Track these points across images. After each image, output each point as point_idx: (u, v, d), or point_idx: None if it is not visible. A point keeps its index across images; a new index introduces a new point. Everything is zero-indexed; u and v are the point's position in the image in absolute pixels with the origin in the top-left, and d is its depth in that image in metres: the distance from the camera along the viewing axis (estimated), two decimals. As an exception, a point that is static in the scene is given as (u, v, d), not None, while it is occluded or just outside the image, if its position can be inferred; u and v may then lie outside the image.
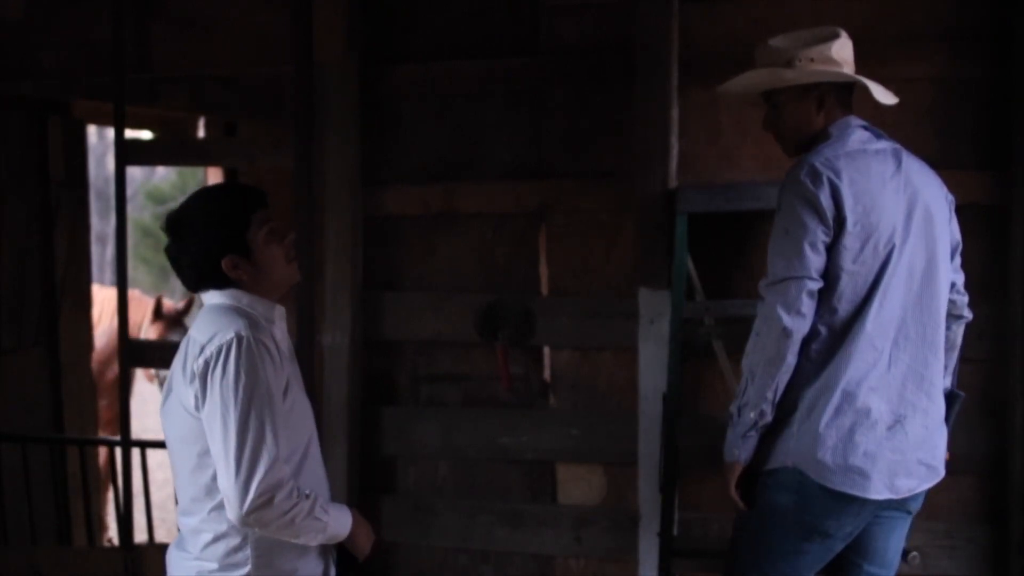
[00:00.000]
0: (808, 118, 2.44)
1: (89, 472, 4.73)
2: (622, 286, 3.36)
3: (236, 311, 2.06)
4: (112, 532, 5.63)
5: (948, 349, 2.50)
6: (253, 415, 1.94)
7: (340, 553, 2.18)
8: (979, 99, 3.12)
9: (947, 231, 2.44)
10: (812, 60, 2.42)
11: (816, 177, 2.29)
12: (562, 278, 3.45)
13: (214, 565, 2.04)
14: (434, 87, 3.55)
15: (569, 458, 3.45)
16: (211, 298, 2.11)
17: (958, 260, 2.52)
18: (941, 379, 2.41)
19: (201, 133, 6.03)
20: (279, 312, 2.14)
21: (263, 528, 1.98)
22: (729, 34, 3.24)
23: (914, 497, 2.40)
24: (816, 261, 2.28)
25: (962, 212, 3.08)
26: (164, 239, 2.13)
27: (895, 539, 2.47)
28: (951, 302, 2.48)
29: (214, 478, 2.01)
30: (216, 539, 2.04)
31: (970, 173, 3.11)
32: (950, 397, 2.49)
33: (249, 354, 1.97)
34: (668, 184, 3.21)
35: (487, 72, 3.49)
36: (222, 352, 1.97)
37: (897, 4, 3.16)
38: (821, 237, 2.28)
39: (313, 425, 2.17)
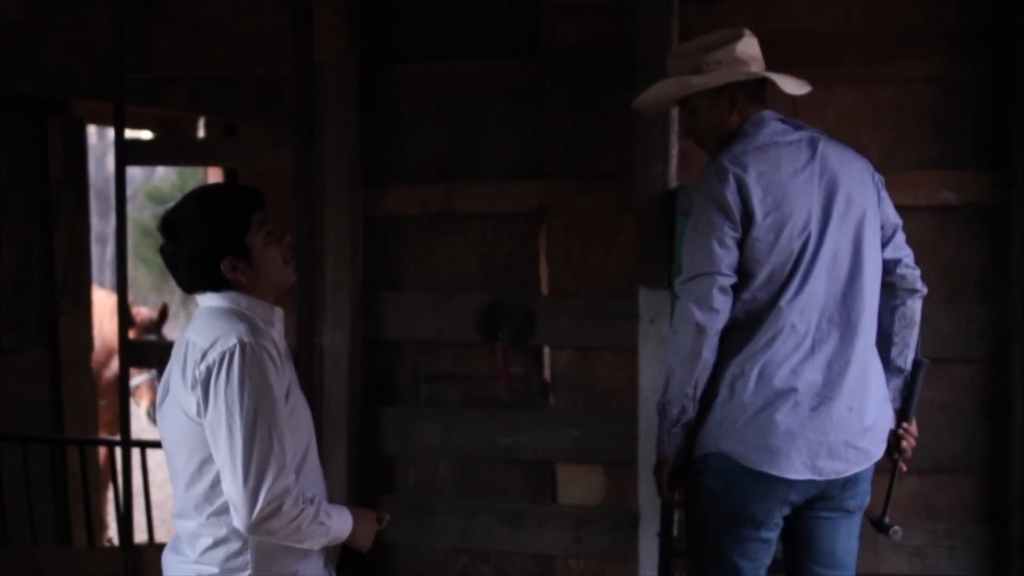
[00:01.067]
0: (723, 119, 2.48)
1: (89, 472, 4.73)
2: (622, 286, 3.36)
3: (235, 314, 2.04)
4: (112, 532, 5.64)
5: (907, 326, 2.53)
6: (259, 423, 1.93)
7: (343, 554, 2.18)
8: (979, 99, 3.12)
9: (875, 214, 2.45)
10: (720, 62, 2.46)
11: (722, 174, 2.34)
12: (562, 278, 3.45)
13: (215, 570, 2.03)
14: (434, 87, 3.55)
15: (569, 458, 3.45)
16: (208, 300, 2.08)
17: (900, 237, 2.54)
18: (874, 361, 2.42)
19: (201, 133, 6.04)
20: (278, 314, 2.12)
21: (270, 536, 1.97)
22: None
23: (851, 494, 2.41)
24: (726, 257, 2.32)
25: (962, 212, 3.12)
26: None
27: (842, 539, 2.47)
28: (902, 277, 2.51)
29: (214, 483, 2.00)
30: (216, 544, 2.03)
31: (970, 173, 3.11)
32: (915, 365, 2.54)
33: (253, 360, 1.95)
34: (668, 184, 3.21)
35: (487, 72, 3.49)
36: (225, 359, 1.95)
37: (897, 4, 3.16)
38: (729, 233, 2.32)
39: (312, 427, 2.16)
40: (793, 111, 3.17)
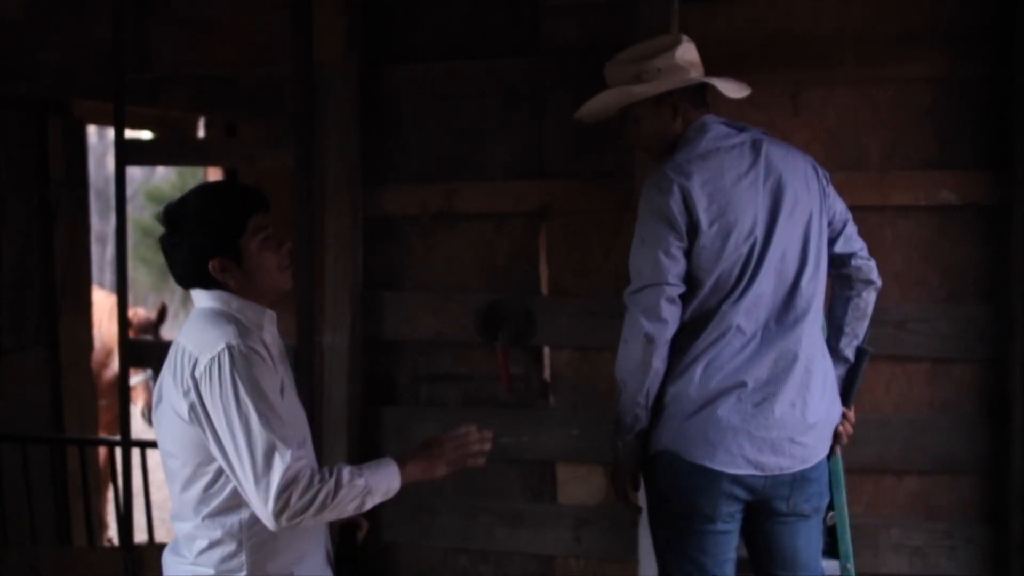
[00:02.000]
0: (665, 126, 2.49)
1: (89, 472, 4.73)
2: (622, 286, 3.34)
3: (225, 317, 2.05)
4: (112, 532, 5.64)
5: (859, 317, 2.56)
6: (255, 421, 1.93)
7: (338, 555, 2.17)
8: (979, 99, 3.12)
9: (821, 211, 2.46)
10: (660, 70, 2.47)
11: (666, 185, 2.35)
12: (562, 278, 3.45)
13: (211, 571, 2.04)
14: (434, 87, 3.55)
15: (569, 458, 3.45)
16: (200, 299, 2.10)
17: (852, 229, 2.56)
18: (820, 359, 2.44)
19: (201, 133, 6.04)
20: (269, 317, 2.12)
21: (297, 525, 1.96)
22: (729, 34, 3.24)
23: (804, 497, 2.42)
24: (673, 267, 2.34)
25: (962, 212, 3.12)
26: (164, 239, 2.12)
27: (802, 543, 2.48)
28: (857, 269, 2.54)
29: (208, 486, 2.02)
30: (211, 545, 2.04)
31: (970, 173, 3.11)
32: (859, 354, 2.58)
33: (241, 362, 1.96)
34: (668, 184, 3.21)
35: (487, 72, 3.49)
36: (214, 364, 1.96)
37: (897, 4, 3.16)
38: (675, 243, 2.34)
39: (307, 428, 2.16)
40: (793, 111, 3.18)
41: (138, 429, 5.76)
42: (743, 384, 2.34)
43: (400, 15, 3.59)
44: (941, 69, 3.13)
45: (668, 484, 2.41)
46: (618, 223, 3.37)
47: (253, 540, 2.02)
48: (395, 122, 3.58)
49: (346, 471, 2.02)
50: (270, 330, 2.12)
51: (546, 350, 3.47)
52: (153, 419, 2.13)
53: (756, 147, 2.43)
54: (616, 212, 3.36)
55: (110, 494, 5.36)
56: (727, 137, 2.44)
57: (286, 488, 1.92)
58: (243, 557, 2.03)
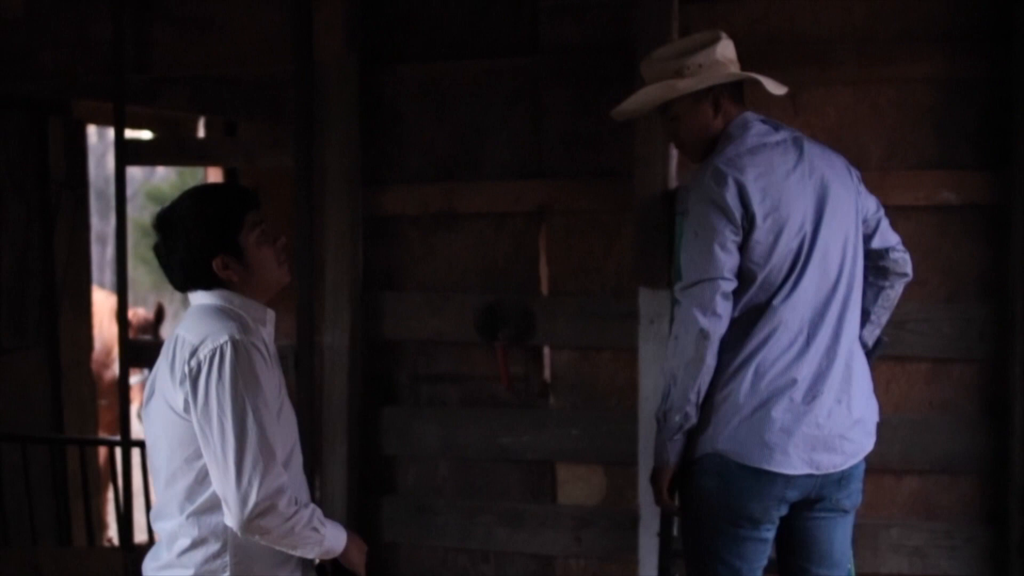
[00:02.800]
0: (706, 122, 2.47)
1: (89, 472, 4.73)
2: (622, 286, 3.36)
3: (227, 312, 2.03)
4: (112, 532, 5.64)
5: (887, 308, 2.58)
6: (251, 419, 1.91)
7: (335, 568, 2.14)
8: (979, 99, 3.12)
9: (857, 210, 2.47)
10: (701, 66, 2.45)
11: (721, 178, 2.33)
12: (562, 278, 3.45)
13: (189, 572, 2.00)
14: (434, 87, 3.55)
15: (569, 458, 3.45)
16: (200, 299, 2.08)
17: (886, 223, 2.56)
18: (858, 355, 2.45)
19: (201, 133, 6.04)
20: (270, 316, 2.11)
21: (264, 536, 1.94)
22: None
23: (846, 493, 2.42)
24: (728, 261, 2.32)
25: (962, 212, 3.12)
26: (161, 239, 2.10)
27: (838, 539, 2.47)
28: (894, 261, 2.54)
29: (196, 480, 1.98)
30: (194, 545, 2.00)
31: (970, 173, 3.11)
32: (876, 342, 2.58)
33: (244, 357, 1.94)
34: (668, 184, 3.21)
35: (487, 72, 3.49)
36: (216, 355, 1.93)
37: (897, 4, 3.16)
38: (730, 237, 2.32)
39: (297, 434, 2.13)
40: (793, 111, 3.18)
41: (138, 429, 5.74)
42: (793, 382, 2.32)
43: (400, 15, 3.59)
44: (941, 69, 3.13)
45: (716, 488, 2.37)
46: (618, 223, 3.37)
47: (238, 540, 1.98)
48: (395, 122, 3.59)
49: (318, 513, 2.01)
50: (269, 329, 2.10)
51: (546, 350, 3.47)
52: (143, 413, 2.09)
53: (798, 145, 2.43)
54: (616, 212, 3.37)
55: (110, 494, 5.36)
56: (768, 134, 2.43)
57: (272, 495, 1.89)
58: (227, 558, 1.99)
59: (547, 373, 3.48)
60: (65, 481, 4.72)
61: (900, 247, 2.56)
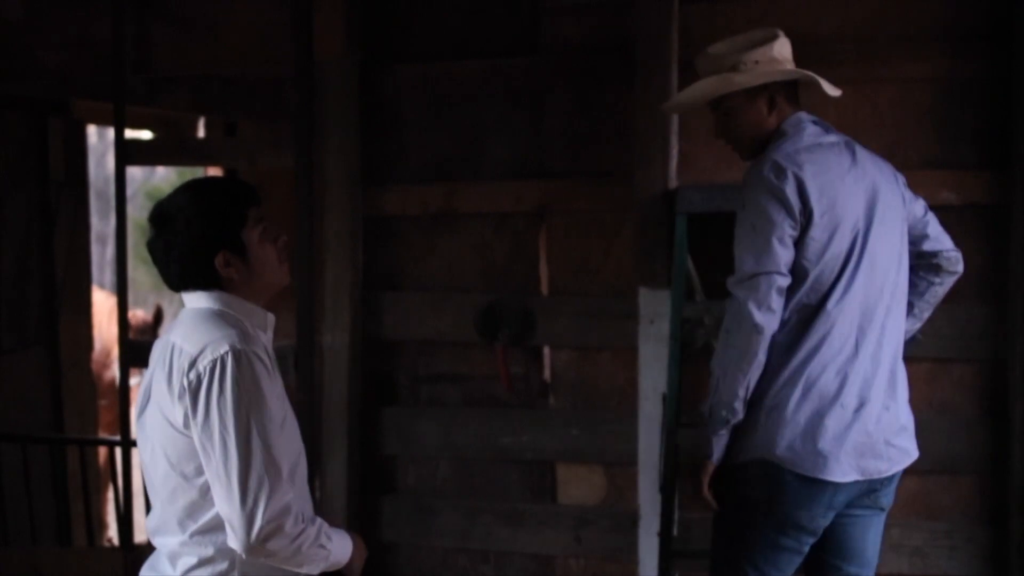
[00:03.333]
0: (760, 119, 2.46)
1: (89, 472, 4.73)
2: (622, 286, 3.36)
3: (225, 318, 1.91)
4: (112, 532, 5.64)
5: (932, 304, 2.58)
6: (256, 436, 1.80)
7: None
8: (979, 99, 3.12)
9: (905, 216, 2.47)
10: (757, 62, 2.44)
11: (780, 172, 2.31)
12: (562, 278, 3.45)
13: None
14: (434, 87, 3.55)
15: (569, 458, 3.45)
16: (196, 300, 1.96)
17: (935, 227, 2.55)
18: (902, 362, 2.44)
19: (201, 133, 6.04)
20: (271, 320, 2.01)
21: (270, 558, 1.84)
22: (729, 34, 3.23)
23: (885, 492, 2.42)
24: (784, 256, 2.29)
25: (962, 212, 3.12)
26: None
27: (872, 537, 2.47)
28: (947, 259, 2.54)
29: (199, 498, 1.87)
30: (201, 563, 1.89)
31: (970, 173, 3.11)
32: (910, 339, 2.56)
33: (247, 368, 1.82)
34: (668, 184, 3.21)
35: (487, 72, 3.49)
36: (217, 367, 1.81)
37: (897, 4, 3.16)
38: (788, 231, 2.30)
39: (301, 442, 2.01)
40: (793, 111, 3.17)
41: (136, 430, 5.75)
42: (844, 389, 2.30)
43: (400, 15, 3.59)
44: (941, 69, 3.13)
45: (762, 495, 2.34)
46: (618, 223, 3.37)
47: (248, 560, 1.87)
48: (395, 122, 3.59)
49: (324, 527, 1.92)
50: (268, 335, 2.00)
51: (546, 350, 3.47)
52: (137, 423, 1.98)
53: (850, 148, 2.42)
54: (616, 212, 3.37)
55: (110, 494, 5.36)
56: (822, 135, 2.42)
57: (278, 515, 1.80)
58: None
59: (547, 373, 3.48)
60: (65, 481, 4.72)
61: (951, 244, 2.55)
